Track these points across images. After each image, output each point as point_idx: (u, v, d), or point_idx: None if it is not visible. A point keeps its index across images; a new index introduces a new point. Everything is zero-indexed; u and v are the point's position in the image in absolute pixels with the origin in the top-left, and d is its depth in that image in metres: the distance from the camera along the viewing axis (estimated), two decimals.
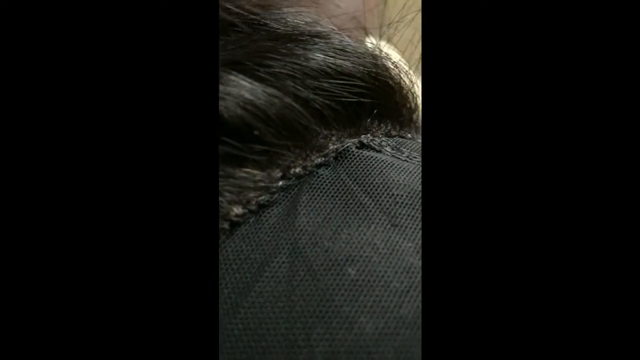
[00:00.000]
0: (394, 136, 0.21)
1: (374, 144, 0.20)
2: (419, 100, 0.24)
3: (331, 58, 0.19)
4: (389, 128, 0.21)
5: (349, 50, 0.20)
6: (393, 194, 0.18)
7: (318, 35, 0.20)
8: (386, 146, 0.20)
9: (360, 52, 0.20)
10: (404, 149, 0.20)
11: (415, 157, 0.20)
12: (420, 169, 0.19)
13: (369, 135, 0.20)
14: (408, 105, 0.22)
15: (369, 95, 0.20)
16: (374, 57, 0.20)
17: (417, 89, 0.25)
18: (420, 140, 0.22)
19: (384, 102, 0.21)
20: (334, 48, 0.19)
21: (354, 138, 0.20)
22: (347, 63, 0.19)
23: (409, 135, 0.22)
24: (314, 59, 0.19)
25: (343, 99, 0.19)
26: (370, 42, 0.24)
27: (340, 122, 0.19)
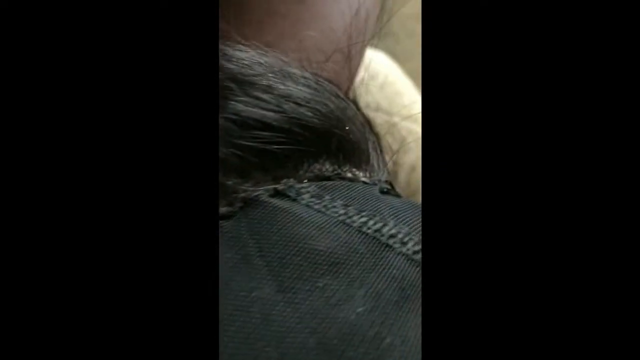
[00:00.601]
0: (327, 177, 0.20)
1: (291, 191, 0.19)
2: (373, 135, 0.23)
3: (247, 107, 0.18)
4: (323, 169, 0.20)
5: (265, 99, 0.19)
6: (288, 253, 0.16)
7: (239, 81, 0.19)
8: (305, 193, 0.19)
9: (284, 96, 0.19)
10: (327, 195, 0.19)
11: (333, 207, 0.18)
12: (333, 220, 0.18)
13: (291, 179, 0.19)
14: (347, 142, 0.21)
15: (288, 142, 0.19)
16: (298, 101, 0.19)
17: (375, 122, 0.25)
18: (363, 179, 0.21)
19: (309, 146, 0.19)
20: (252, 96, 0.19)
21: (271, 184, 0.19)
22: (261, 111, 0.18)
23: (349, 175, 0.21)
24: (228, 109, 0.18)
25: (256, 148, 0.18)
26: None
27: (257, 170, 0.19)
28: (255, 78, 0.19)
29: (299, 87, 0.20)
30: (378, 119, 0.41)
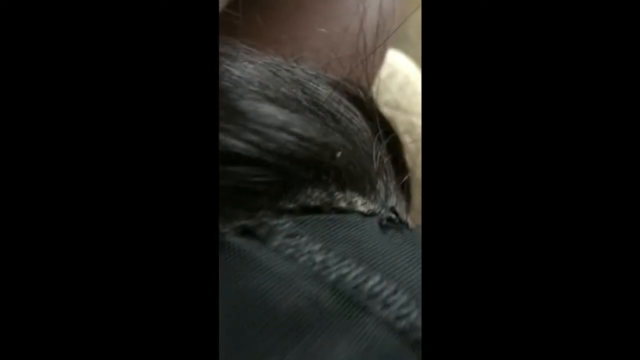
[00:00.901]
0: (315, 207, 0.17)
1: (262, 229, 0.16)
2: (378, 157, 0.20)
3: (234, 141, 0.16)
4: (309, 199, 0.17)
5: (233, 128, 0.16)
6: (244, 312, 0.14)
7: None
8: (279, 232, 0.16)
9: (259, 121, 0.16)
10: (306, 235, 0.16)
11: (309, 252, 0.16)
12: (305, 272, 0.15)
13: (268, 212, 0.16)
14: (339, 168, 0.18)
15: (262, 174, 0.16)
16: (278, 125, 0.17)
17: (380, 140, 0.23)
18: (361, 208, 0.18)
19: (290, 176, 0.17)
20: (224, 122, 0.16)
21: (242, 220, 0.16)
22: (231, 140, 0.16)
23: (342, 204, 0.18)
24: None
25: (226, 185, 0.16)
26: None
27: (227, 205, 0.16)
28: (232, 102, 0.17)
29: (281, 108, 0.17)
30: (397, 117, 0.40)
